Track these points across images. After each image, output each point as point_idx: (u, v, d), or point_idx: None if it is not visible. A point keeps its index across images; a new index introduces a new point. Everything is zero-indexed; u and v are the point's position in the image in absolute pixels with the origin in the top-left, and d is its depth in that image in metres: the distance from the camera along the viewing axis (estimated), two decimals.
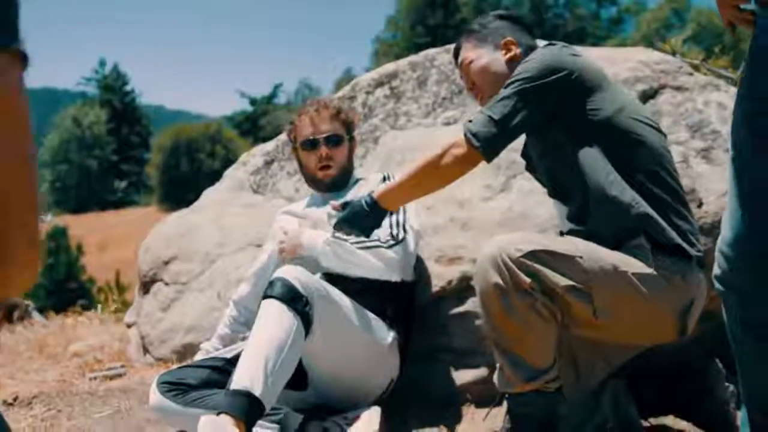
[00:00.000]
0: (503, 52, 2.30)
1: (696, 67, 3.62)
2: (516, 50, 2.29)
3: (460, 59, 2.39)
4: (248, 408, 1.97)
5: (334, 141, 2.73)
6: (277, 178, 3.78)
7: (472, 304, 2.70)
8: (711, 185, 2.65)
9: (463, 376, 2.66)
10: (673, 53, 3.94)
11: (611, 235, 2.01)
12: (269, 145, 3.97)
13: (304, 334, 2.17)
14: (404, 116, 3.64)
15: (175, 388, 2.32)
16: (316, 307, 2.21)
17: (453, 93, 3.61)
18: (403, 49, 37.28)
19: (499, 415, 2.43)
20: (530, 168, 2.42)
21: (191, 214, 3.84)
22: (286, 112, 40.54)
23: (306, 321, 2.18)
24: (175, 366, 3.06)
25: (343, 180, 2.77)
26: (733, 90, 3.16)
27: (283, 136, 3.97)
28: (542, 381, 1.94)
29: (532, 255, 1.87)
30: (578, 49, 2.27)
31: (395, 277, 2.48)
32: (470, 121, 2.07)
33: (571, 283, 1.88)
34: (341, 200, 2.29)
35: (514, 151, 3.08)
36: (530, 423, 2.00)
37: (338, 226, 2.26)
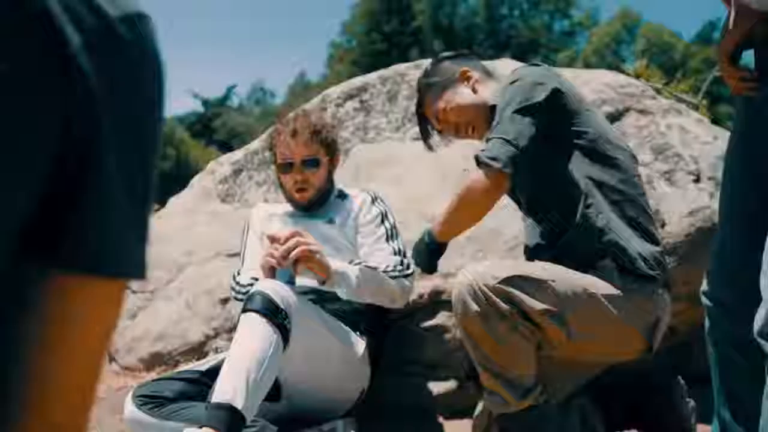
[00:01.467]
0: (464, 83, 2.37)
1: (658, 91, 3.74)
2: (474, 75, 2.38)
3: (434, 115, 2.42)
4: (230, 421, 1.99)
5: (310, 164, 2.70)
6: (245, 187, 3.79)
7: (442, 318, 2.77)
8: (674, 206, 2.76)
9: (433, 389, 2.72)
10: (637, 76, 4.07)
11: (580, 256, 2.10)
12: (238, 154, 3.98)
13: (282, 346, 2.20)
14: (374, 130, 3.69)
15: (151, 401, 2.32)
16: (293, 320, 2.24)
17: None
18: (359, 55, 37.30)
19: (469, 426, 2.50)
20: None
21: (158, 222, 3.82)
22: (239, 115, 40.20)
23: (284, 334, 2.21)
24: (143, 375, 3.06)
25: (321, 200, 2.76)
26: (695, 114, 3.29)
27: (251, 146, 3.99)
28: (535, 395, 2.01)
29: (508, 281, 1.95)
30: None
31: (401, 305, 2.58)
32: (483, 150, 2.09)
33: (545, 306, 1.95)
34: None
35: None
36: None
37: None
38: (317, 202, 2.76)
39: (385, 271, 2.50)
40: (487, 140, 2.11)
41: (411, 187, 3.29)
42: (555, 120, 2.13)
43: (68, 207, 0.62)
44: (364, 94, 3.81)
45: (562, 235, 2.15)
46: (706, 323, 1.96)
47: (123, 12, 0.63)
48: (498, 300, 1.93)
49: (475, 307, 1.95)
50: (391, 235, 2.67)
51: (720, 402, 1.96)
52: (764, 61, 1.72)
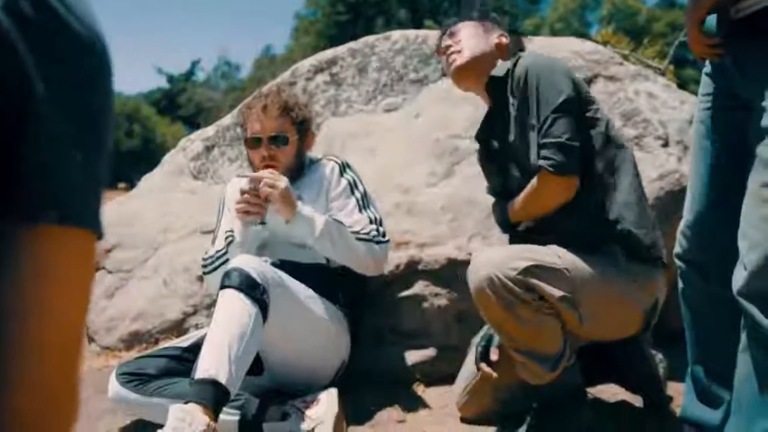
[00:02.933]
0: (496, 35, 2.39)
1: (625, 57, 3.78)
2: (506, 42, 2.38)
3: (458, 24, 2.42)
4: (215, 395, 2.02)
5: (277, 141, 2.67)
6: (218, 164, 3.79)
7: (419, 288, 2.81)
8: (643, 171, 2.79)
9: (412, 357, 2.76)
10: (604, 43, 4.10)
11: (589, 241, 2.14)
12: (209, 131, 3.97)
13: (262, 320, 2.23)
14: (345, 103, 3.70)
15: (135, 378, 2.34)
16: (272, 295, 2.27)
17: (393, 80, 3.68)
18: (324, 26, 37.01)
19: (449, 393, 2.55)
20: (492, 162, 2.48)
21: (132, 201, 3.81)
22: (205, 90, 39.78)
23: (263, 308, 2.24)
24: (123, 354, 3.08)
25: (289, 177, 2.66)
26: (662, 80, 3.34)
27: (223, 122, 3.97)
28: (564, 364, 2.10)
29: (526, 271, 2.00)
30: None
31: (372, 273, 2.58)
32: (547, 159, 2.12)
33: (562, 293, 2.02)
34: None
35: (457, 137, 3.19)
36: (561, 398, 2.16)
37: None
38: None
39: (355, 232, 2.50)
40: (541, 145, 2.13)
41: (384, 158, 3.31)
42: (581, 107, 2.17)
43: (14, 159, 0.64)
44: (334, 67, 3.81)
45: (564, 219, 2.18)
46: (680, 284, 2.02)
47: None
48: (518, 289, 1.99)
49: (495, 298, 2.01)
50: (363, 204, 2.64)
51: (693, 359, 2.04)
52: (726, 26, 1.75)
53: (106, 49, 0.72)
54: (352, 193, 2.66)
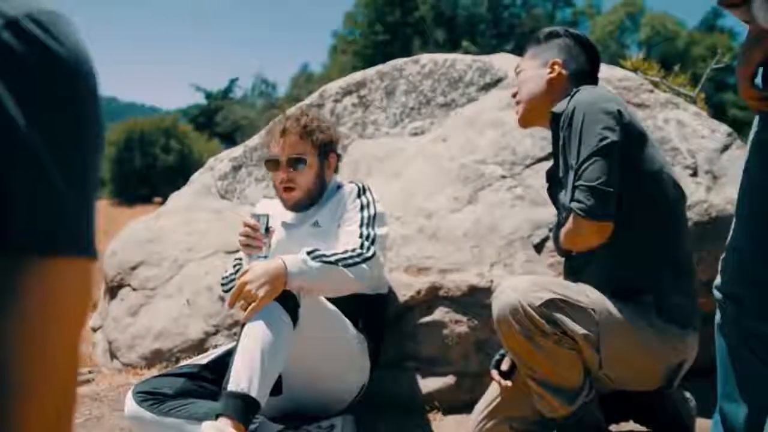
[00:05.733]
0: (548, 71, 2.33)
1: (656, 84, 3.74)
2: (561, 70, 2.32)
3: (517, 64, 2.45)
4: (245, 409, 2.04)
5: (296, 163, 2.66)
6: (244, 183, 3.80)
7: (439, 314, 2.78)
8: None
9: (430, 384, 2.73)
10: (634, 70, 4.05)
11: (623, 286, 2.11)
12: (237, 151, 3.99)
13: (293, 330, 2.21)
14: (372, 125, 3.70)
15: (151, 397, 2.34)
16: (302, 307, 2.26)
17: (421, 104, 3.67)
18: (362, 46, 37.26)
19: (466, 421, 2.51)
20: (552, 194, 2.45)
21: (158, 219, 3.84)
22: (241, 108, 40.18)
23: (294, 319, 2.22)
24: (144, 372, 3.09)
25: (309, 200, 2.70)
26: (692, 108, 3.29)
27: (250, 142, 4.00)
28: (582, 398, 2.06)
29: (551, 303, 1.98)
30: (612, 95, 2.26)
31: (368, 291, 2.54)
32: (578, 201, 2.06)
33: (585, 332, 1.99)
34: None
35: (482, 163, 3.17)
36: None
37: None
38: (305, 204, 2.71)
39: (342, 259, 2.39)
40: (575, 187, 2.07)
41: (409, 182, 3.30)
42: (627, 148, 2.09)
43: (4, 192, 0.65)
44: (363, 89, 3.82)
45: (600, 261, 2.14)
46: (717, 316, 1.97)
47: (10, 16, 0.66)
48: (541, 320, 1.97)
49: (519, 327, 1.99)
50: (366, 223, 2.56)
51: (723, 394, 1.98)
52: None
53: (91, 71, 0.73)
54: (361, 211, 2.60)
